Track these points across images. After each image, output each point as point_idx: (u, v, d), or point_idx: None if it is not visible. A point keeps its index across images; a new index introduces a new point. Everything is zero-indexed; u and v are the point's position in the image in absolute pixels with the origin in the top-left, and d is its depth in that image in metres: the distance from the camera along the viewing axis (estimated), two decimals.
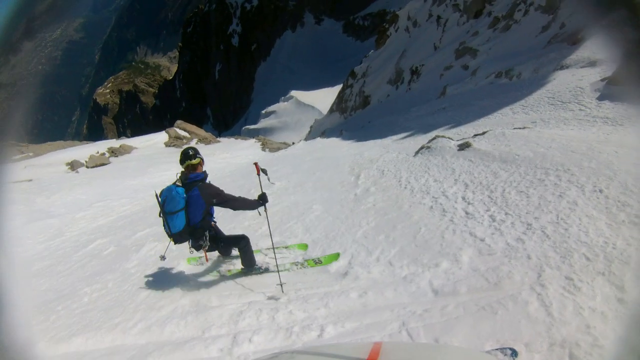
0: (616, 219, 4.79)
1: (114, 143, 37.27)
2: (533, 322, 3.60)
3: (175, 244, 6.37)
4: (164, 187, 6.21)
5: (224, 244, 6.78)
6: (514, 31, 25.73)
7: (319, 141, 29.63)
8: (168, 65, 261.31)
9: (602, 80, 12.29)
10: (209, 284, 6.58)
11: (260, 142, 39.92)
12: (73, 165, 28.69)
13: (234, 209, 6.37)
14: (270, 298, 5.60)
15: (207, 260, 7.52)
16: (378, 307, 4.69)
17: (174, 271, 7.47)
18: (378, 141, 19.00)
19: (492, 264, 4.71)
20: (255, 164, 7.09)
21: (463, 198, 7.10)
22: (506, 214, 5.90)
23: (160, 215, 6.13)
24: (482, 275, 4.56)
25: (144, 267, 8.12)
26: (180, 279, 7.05)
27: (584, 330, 3.35)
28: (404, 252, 5.82)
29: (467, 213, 6.41)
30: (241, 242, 6.52)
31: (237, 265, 7.00)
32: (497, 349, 3.28)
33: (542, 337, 3.40)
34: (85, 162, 29.26)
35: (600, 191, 5.51)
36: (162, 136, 40.38)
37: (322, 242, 7.23)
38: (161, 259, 6.93)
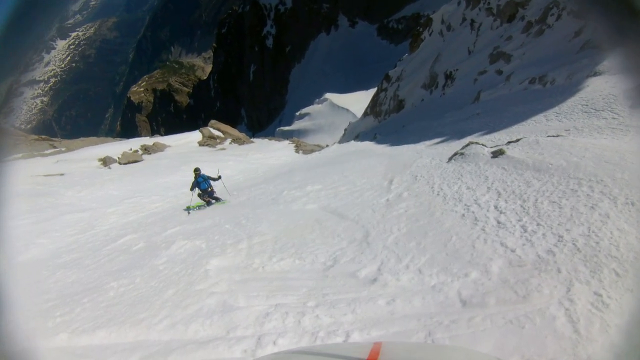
0: None
1: (148, 141, 37.93)
2: (559, 338, 3.54)
3: (198, 195, 15.02)
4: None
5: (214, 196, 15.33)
6: (547, 36, 25.27)
7: (353, 144, 29.55)
8: (202, 65, 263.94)
9: (635, 87, 11.96)
10: (237, 284, 6.61)
11: (294, 144, 40.06)
12: (105, 161, 29.26)
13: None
14: (299, 300, 5.61)
15: (206, 204, 14.95)
16: (405, 316, 4.64)
17: (202, 270, 7.54)
18: (411, 146, 18.87)
19: (522, 276, 4.63)
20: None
21: (495, 207, 7.00)
22: (538, 224, 5.79)
23: (191, 188, 14.91)
24: (511, 288, 4.48)
25: (173, 265, 8.25)
26: (208, 277, 7.12)
27: (609, 349, 3.29)
28: (434, 261, 5.75)
29: (498, 222, 6.32)
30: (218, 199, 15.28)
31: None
32: None
33: (568, 355, 3.35)
34: (118, 158, 29.78)
35: (632, 204, 5.38)
36: (196, 135, 40.79)
37: (354, 249, 7.18)
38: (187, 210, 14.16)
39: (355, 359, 1.72)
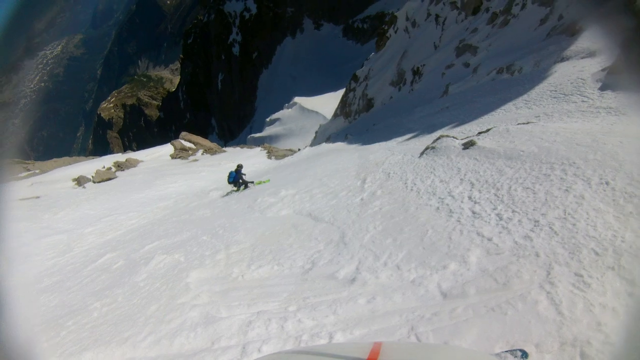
0: (624, 211, 4.74)
1: (120, 157, 37.97)
2: (543, 322, 3.54)
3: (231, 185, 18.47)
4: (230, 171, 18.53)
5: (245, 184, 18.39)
6: (512, 26, 25.77)
7: (325, 146, 29.63)
8: (170, 77, 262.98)
9: (602, 70, 12.25)
10: (217, 295, 6.58)
11: (266, 150, 40.09)
12: (80, 181, 29.05)
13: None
14: (280, 305, 5.58)
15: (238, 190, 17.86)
16: (387, 312, 4.64)
17: (183, 283, 7.49)
18: (383, 144, 19.03)
19: (501, 264, 4.65)
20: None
21: (469, 197, 7.06)
22: (513, 211, 5.84)
23: (230, 181, 18.14)
24: (490, 276, 4.49)
25: (153, 280, 8.19)
26: (189, 290, 7.08)
27: (595, 328, 3.29)
28: (411, 256, 5.76)
29: (473, 213, 6.37)
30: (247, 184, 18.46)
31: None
32: (507, 351, 3.23)
33: (553, 337, 3.35)
34: (92, 177, 29.65)
35: (607, 183, 5.46)
36: (167, 148, 40.94)
37: (331, 250, 7.18)
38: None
39: (355, 359, 1.72)
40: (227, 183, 18.67)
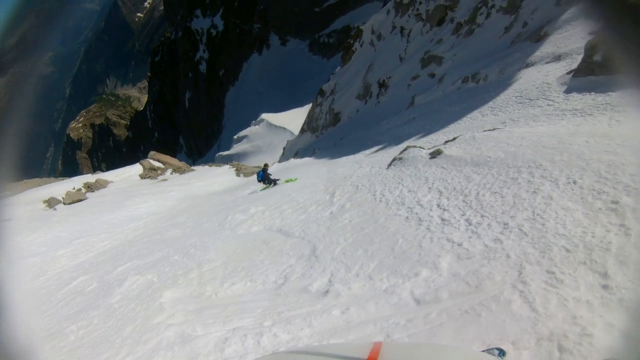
0: (593, 208, 4.85)
1: (90, 178, 37.75)
2: (518, 320, 3.59)
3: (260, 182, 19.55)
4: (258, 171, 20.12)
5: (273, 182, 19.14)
6: (477, 35, 26.38)
7: (293, 162, 29.77)
8: (138, 96, 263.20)
9: (568, 73, 12.61)
10: (192, 314, 6.58)
11: (235, 168, 40.12)
12: (50, 203, 28.78)
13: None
14: (255, 321, 5.60)
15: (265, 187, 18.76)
16: (361, 322, 4.67)
17: (157, 303, 7.46)
18: (351, 157, 19.23)
19: (472, 267, 4.72)
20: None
21: (438, 205, 7.17)
22: (482, 216, 5.94)
23: (259, 179, 19.50)
24: (462, 280, 4.56)
25: (128, 301, 8.16)
26: (164, 310, 7.05)
27: (571, 321, 3.35)
28: (383, 265, 5.83)
29: (443, 220, 6.47)
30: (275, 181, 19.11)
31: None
32: (484, 351, 3.24)
33: (529, 334, 3.40)
34: (63, 198, 29.39)
35: (574, 182, 5.59)
36: (136, 168, 40.82)
37: (303, 264, 7.24)
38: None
39: (355, 359, 1.72)
40: (256, 181, 20.23)
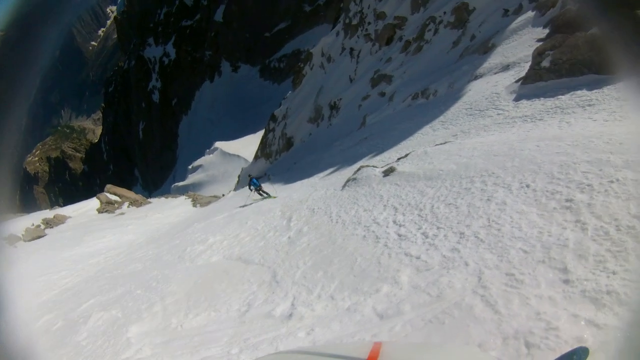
0: (547, 208, 5.03)
1: (48, 213, 38.21)
2: (481, 323, 3.67)
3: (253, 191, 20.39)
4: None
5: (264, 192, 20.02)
6: (426, 51, 27.03)
7: (248, 190, 29.62)
8: (93, 127, 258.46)
9: (516, 81, 13.05)
10: (159, 347, 6.57)
11: (191, 199, 40.35)
12: (10, 240, 28.70)
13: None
14: (222, 349, 5.60)
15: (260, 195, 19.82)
16: (327, 341, 4.72)
17: (124, 338, 7.42)
18: (305, 181, 19.32)
19: (432, 278, 4.81)
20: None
21: (394, 222, 7.35)
22: (438, 228, 6.11)
23: (250, 187, 20.66)
24: (423, 291, 4.64)
25: (95, 338, 8.14)
26: (131, 344, 7.03)
27: (535, 318, 3.44)
28: (343, 285, 5.91)
29: (399, 235, 6.63)
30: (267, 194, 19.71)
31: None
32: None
33: (494, 335, 3.47)
34: (22, 235, 29.60)
35: (527, 186, 5.80)
36: (93, 202, 41.28)
37: (265, 290, 7.28)
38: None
39: (355, 359, 1.73)
40: (254, 192, 20.52)
